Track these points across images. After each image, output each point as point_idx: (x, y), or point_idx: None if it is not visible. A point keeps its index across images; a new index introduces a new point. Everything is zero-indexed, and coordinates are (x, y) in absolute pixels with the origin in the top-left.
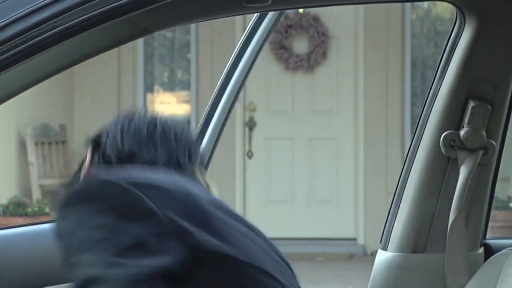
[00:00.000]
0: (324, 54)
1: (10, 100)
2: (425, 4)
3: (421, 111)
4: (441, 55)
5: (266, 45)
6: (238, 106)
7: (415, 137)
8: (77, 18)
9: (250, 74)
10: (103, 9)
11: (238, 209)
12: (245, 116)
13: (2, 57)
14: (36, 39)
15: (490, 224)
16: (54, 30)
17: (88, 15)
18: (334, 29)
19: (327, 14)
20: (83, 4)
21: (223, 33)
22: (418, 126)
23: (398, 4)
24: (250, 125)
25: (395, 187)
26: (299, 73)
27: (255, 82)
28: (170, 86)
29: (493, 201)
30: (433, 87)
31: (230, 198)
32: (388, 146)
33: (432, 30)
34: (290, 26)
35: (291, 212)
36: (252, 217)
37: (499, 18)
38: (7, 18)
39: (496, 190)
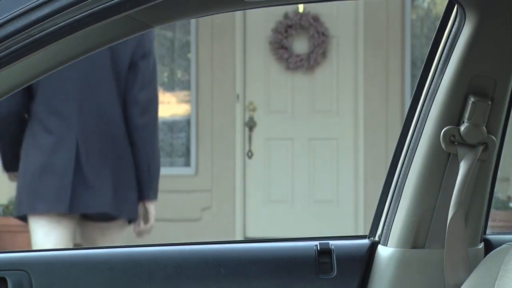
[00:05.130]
0: (324, 54)
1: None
2: (425, 4)
3: (420, 107)
4: (440, 51)
5: (266, 45)
6: (237, 106)
7: (415, 133)
8: (78, 15)
9: (250, 74)
10: (103, 6)
11: (238, 209)
12: (245, 116)
13: (3, 53)
14: (36, 36)
15: (489, 224)
16: (55, 27)
17: (89, 12)
18: (334, 29)
19: (327, 14)
20: (83, 1)
21: (223, 33)
22: (418, 122)
23: (398, 4)
24: (250, 125)
25: (395, 182)
26: (299, 73)
27: (255, 82)
28: (170, 86)
29: (493, 201)
30: (433, 83)
31: (230, 198)
32: (388, 146)
33: (432, 30)
34: (290, 26)
35: (291, 212)
36: (252, 217)
37: (500, 13)
38: (7, 15)
39: (496, 190)
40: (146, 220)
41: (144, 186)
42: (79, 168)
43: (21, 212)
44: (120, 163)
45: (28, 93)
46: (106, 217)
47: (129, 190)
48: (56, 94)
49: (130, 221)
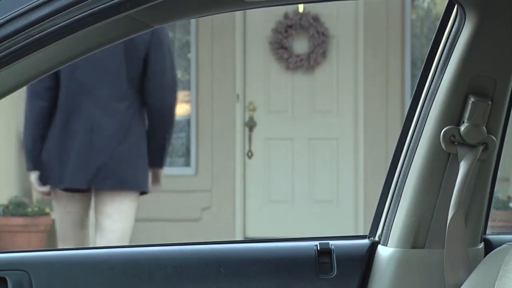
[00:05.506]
0: (324, 54)
1: (10, 100)
2: (425, 4)
3: (420, 107)
4: (440, 51)
5: (266, 45)
6: (237, 106)
7: (415, 133)
8: (78, 15)
9: (250, 74)
10: (103, 6)
11: (238, 209)
12: (245, 116)
13: (3, 53)
14: (36, 36)
15: (489, 224)
16: (55, 27)
17: (89, 12)
18: (334, 29)
19: (327, 14)
20: (83, 1)
21: (223, 33)
22: (418, 122)
23: (398, 4)
24: (250, 125)
25: (395, 182)
26: (299, 73)
27: (255, 82)
28: None
29: (493, 201)
30: (433, 83)
31: (230, 198)
32: (388, 146)
33: (432, 30)
34: (290, 26)
35: (291, 212)
36: (252, 217)
37: (500, 13)
38: (7, 15)
39: (496, 190)
40: (156, 182)
41: (157, 157)
42: (95, 146)
43: (47, 183)
44: (132, 141)
45: (55, 81)
46: (120, 189)
47: (141, 165)
48: (73, 77)
49: (142, 193)
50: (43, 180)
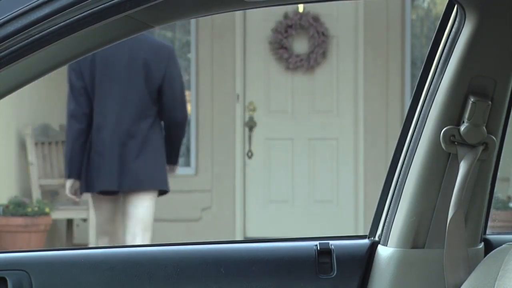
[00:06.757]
0: (324, 54)
1: (10, 100)
2: (425, 4)
3: (420, 107)
4: (440, 51)
5: (266, 45)
6: (237, 106)
7: (415, 133)
8: (78, 15)
9: (250, 74)
10: (103, 5)
11: (238, 209)
12: (245, 116)
13: (3, 53)
14: (36, 36)
15: (489, 224)
16: (55, 27)
17: (89, 12)
18: (334, 29)
19: (327, 14)
20: (83, 1)
21: (223, 33)
22: (418, 122)
23: (398, 4)
24: (250, 125)
25: (395, 182)
26: (299, 73)
27: (255, 82)
28: None
29: (493, 201)
30: (433, 83)
31: (230, 198)
32: (388, 146)
33: (432, 30)
34: (290, 26)
35: (291, 212)
36: (252, 217)
37: (500, 13)
38: (7, 15)
39: (496, 190)
40: (171, 172)
41: (173, 156)
42: (122, 154)
43: (88, 189)
44: (152, 152)
45: (91, 107)
46: (142, 190)
47: (161, 167)
48: (105, 104)
49: (161, 193)
50: (84, 187)
